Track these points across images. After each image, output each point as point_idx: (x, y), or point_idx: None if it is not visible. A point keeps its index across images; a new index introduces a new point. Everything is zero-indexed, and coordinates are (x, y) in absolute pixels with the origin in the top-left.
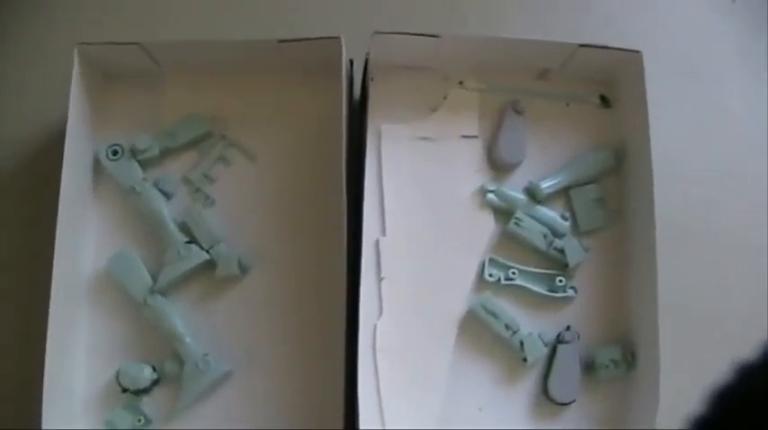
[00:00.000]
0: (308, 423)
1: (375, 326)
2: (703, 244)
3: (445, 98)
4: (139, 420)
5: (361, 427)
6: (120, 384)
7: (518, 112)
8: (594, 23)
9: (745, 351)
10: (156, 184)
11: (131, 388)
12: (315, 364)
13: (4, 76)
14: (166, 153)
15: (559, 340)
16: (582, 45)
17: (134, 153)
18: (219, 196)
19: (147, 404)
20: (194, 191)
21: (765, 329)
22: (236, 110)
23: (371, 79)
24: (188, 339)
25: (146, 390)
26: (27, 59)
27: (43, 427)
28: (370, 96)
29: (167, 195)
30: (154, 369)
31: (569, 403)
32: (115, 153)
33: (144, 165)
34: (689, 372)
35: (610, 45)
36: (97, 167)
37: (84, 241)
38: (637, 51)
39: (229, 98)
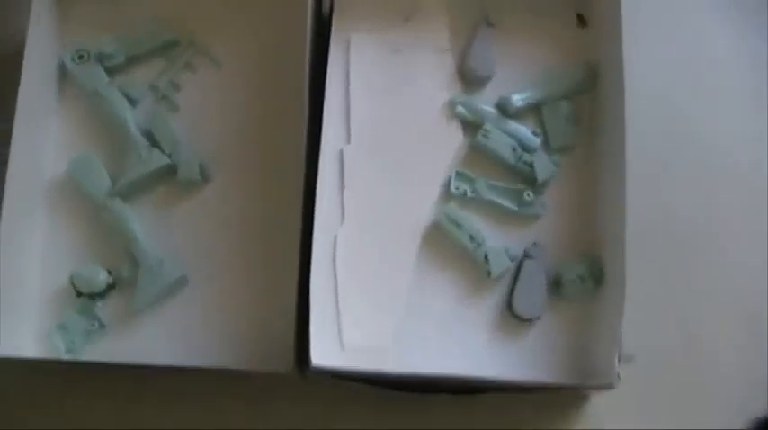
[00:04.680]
0: (262, 329)
1: (335, 235)
2: (676, 163)
3: (418, 9)
4: (93, 325)
5: (313, 334)
6: (74, 287)
7: (490, 25)
8: None
9: (716, 269)
10: (121, 90)
11: (86, 291)
12: (270, 273)
13: None
14: (133, 60)
15: (526, 255)
16: None
17: (100, 58)
18: (185, 104)
19: (102, 309)
20: (160, 98)
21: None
22: (203, 15)
23: None
24: (145, 243)
25: (101, 295)
26: None
27: None
28: (337, 5)
29: (133, 102)
30: (109, 273)
31: (534, 319)
32: (80, 57)
33: (110, 71)
34: (657, 292)
35: None
36: (63, 73)
37: (47, 144)
38: None
39: (197, 3)
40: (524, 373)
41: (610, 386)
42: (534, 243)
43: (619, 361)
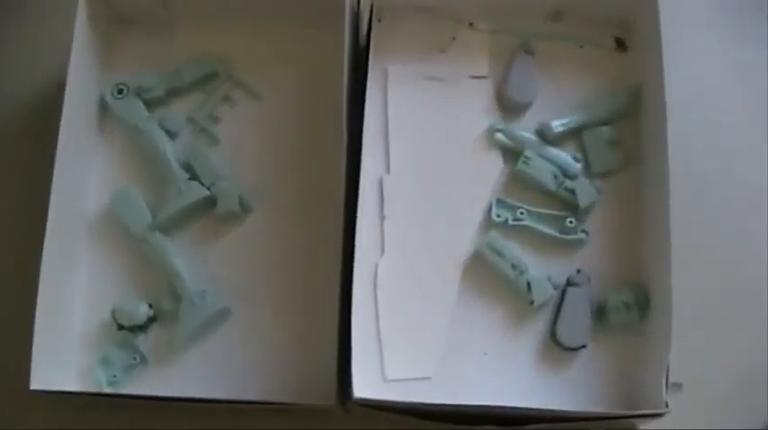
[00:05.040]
0: (304, 361)
1: (376, 265)
2: (721, 186)
3: (454, 39)
4: (135, 358)
5: (354, 365)
6: (116, 321)
7: (528, 53)
8: None
9: (764, 293)
10: (160, 123)
11: (127, 325)
12: (312, 304)
13: (14, 20)
14: (172, 93)
15: (569, 283)
16: None
17: (139, 92)
18: (224, 136)
19: (143, 342)
20: (199, 130)
21: None
22: (242, 50)
23: (378, 20)
24: (186, 276)
25: (142, 328)
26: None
27: (33, 364)
28: (375, 36)
29: (172, 135)
30: (150, 306)
31: (579, 348)
32: (120, 92)
33: (150, 104)
34: (704, 318)
35: None
36: (103, 108)
37: (88, 178)
38: None
39: (236, 38)
40: (570, 403)
41: (658, 415)
42: (578, 270)
43: (667, 389)
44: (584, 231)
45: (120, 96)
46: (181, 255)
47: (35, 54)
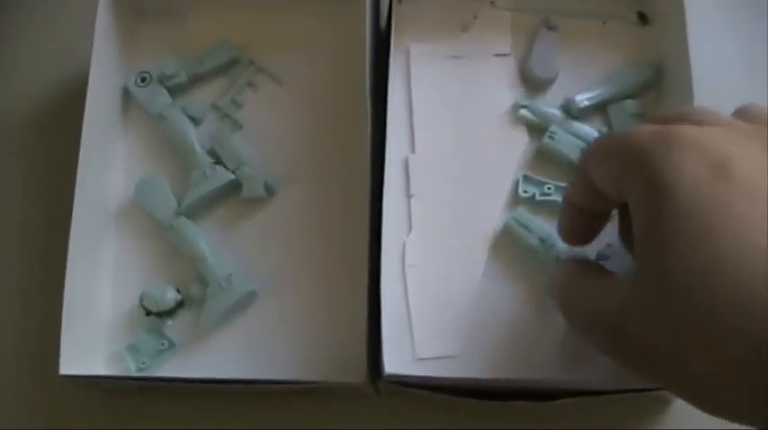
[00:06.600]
0: (334, 340)
1: (404, 243)
2: None
3: (476, 18)
4: (163, 344)
5: (385, 342)
6: (144, 307)
7: (551, 28)
8: None
9: None
10: (184, 110)
11: (155, 310)
12: (340, 284)
13: (36, 12)
14: (195, 80)
15: (599, 257)
16: None
17: (162, 80)
18: (247, 122)
19: (171, 328)
20: (222, 116)
21: None
22: (263, 34)
23: (399, 1)
24: (212, 261)
25: (170, 313)
26: None
27: (62, 351)
28: (396, 17)
29: (195, 121)
30: (178, 291)
31: None
32: (143, 80)
33: (173, 92)
34: None
35: None
36: (126, 97)
37: (113, 167)
38: None
39: (257, 22)
40: (604, 376)
41: None
42: (608, 244)
43: None
44: None
45: (143, 85)
46: (207, 239)
47: (58, 46)
